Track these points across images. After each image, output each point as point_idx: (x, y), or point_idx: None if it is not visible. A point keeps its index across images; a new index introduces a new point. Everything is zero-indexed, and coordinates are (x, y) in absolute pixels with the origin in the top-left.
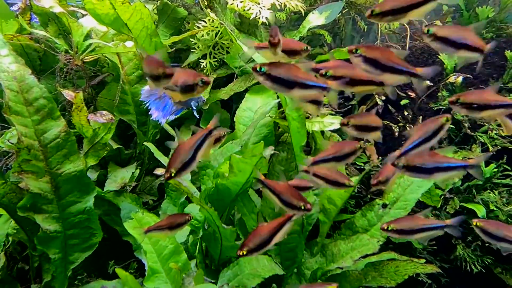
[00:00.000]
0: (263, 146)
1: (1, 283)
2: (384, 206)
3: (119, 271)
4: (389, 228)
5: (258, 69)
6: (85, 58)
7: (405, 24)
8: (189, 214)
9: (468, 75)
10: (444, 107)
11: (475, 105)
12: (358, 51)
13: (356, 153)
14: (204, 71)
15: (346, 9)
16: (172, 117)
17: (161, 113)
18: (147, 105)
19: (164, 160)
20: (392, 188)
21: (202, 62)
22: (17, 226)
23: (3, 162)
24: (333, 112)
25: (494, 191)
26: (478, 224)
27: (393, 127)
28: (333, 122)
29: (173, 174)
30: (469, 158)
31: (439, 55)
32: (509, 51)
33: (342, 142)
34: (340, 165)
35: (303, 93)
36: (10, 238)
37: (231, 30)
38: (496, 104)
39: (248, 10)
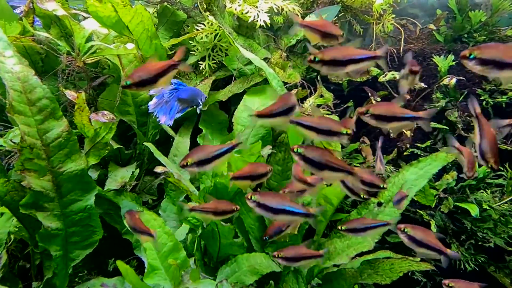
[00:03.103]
0: (261, 145)
1: (3, 280)
2: (379, 204)
3: (119, 263)
4: (404, 230)
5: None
6: (87, 60)
7: (400, 28)
8: (237, 205)
9: (461, 78)
10: (439, 109)
11: (383, 117)
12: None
13: None
14: (203, 73)
15: (342, 13)
16: (179, 115)
17: (168, 116)
18: (155, 114)
19: (164, 160)
20: None
21: (201, 64)
22: (18, 224)
23: (6, 161)
24: (330, 113)
25: (487, 190)
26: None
27: None
28: None
29: None
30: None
31: (433, 57)
32: None
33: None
34: None
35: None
36: (12, 236)
37: (229, 33)
38: (402, 116)
39: (246, 13)
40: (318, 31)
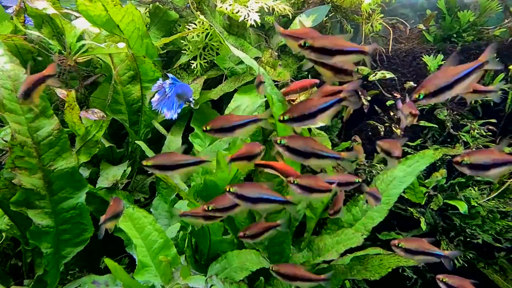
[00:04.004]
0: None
1: None
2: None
3: (108, 261)
4: (399, 245)
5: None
6: (78, 59)
7: (389, 27)
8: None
9: None
10: (428, 107)
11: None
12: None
13: None
14: (195, 72)
15: (333, 13)
16: (179, 110)
17: (172, 111)
18: (159, 110)
19: None
20: None
21: (193, 64)
22: (10, 222)
23: None
24: None
25: (475, 187)
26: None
27: (379, 127)
28: None
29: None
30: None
31: (423, 57)
32: None
33: None
34: None
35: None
36: (4, 234)
37: (220, 32)
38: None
39: (236, 13)
40: (299, 40)
